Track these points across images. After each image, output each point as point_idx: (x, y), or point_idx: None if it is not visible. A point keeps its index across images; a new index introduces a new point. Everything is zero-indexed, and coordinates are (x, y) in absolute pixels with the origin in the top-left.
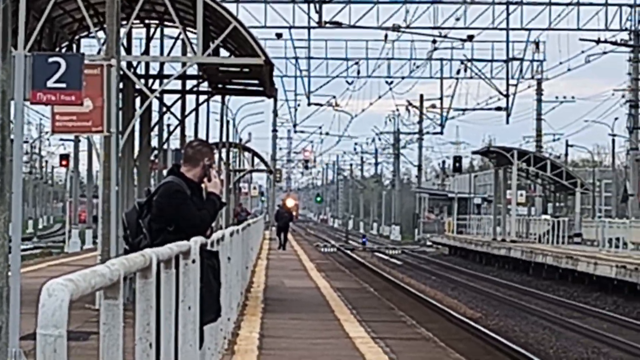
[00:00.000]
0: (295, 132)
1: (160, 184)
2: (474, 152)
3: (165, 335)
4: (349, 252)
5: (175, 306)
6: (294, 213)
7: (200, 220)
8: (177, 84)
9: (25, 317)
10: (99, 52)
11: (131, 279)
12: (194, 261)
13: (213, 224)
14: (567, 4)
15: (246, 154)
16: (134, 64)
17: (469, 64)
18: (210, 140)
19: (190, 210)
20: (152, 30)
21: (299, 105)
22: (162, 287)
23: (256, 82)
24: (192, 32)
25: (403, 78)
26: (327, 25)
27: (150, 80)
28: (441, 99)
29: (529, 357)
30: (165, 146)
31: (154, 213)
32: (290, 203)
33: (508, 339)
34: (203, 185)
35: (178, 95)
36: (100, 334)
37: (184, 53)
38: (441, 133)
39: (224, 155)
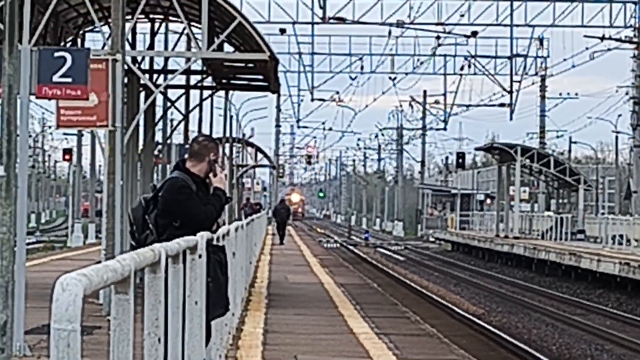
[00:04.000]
0: (299, 127)
1: (166, 180)
2: (477, 149)
3: (173, 330)
4: (351, 247)
5: (183, 301)
6: (300, 209)
7: (205, 216)
8: (181, 79)
9: (30, 311)
10: (103, 47)
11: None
12: (200, 256)
13: (219, 219)
14: (572, 0)
15: (249, 149)
16: (139, 58)
17: (472, 60)
18: (214, 136)
19: (195, 205)
20: (156, 25)
21: (302, 100)
22: (169, 282)
23: (260, 77)
24: (196, 27)
25: (407, 74)
26: (331, 21)
27: (155, 75)
28: (445, 94)
29: (532, 354)
30: (169, 141)
31: (160, 208)
32: (295, 198)
33: (511, 336)
34: (208, 181)
35: (182, 90)
36: (111, 328)
37: (189, 48)
38: (444, 129)
39: (227, 150)
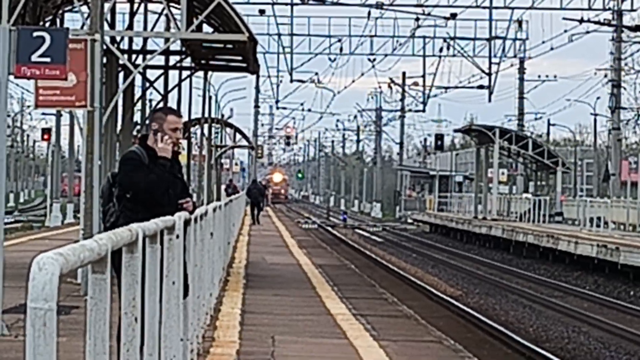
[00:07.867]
0: (278, 108)
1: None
2: (455, 130)
3: (150, 309)
4: (330, 228)
5: (160, 281)
6: (282, 191)
7: (146, 185)
8: (160, 60)
9: (8, 290)
10: (82, 27)
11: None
12: (178, 237)
13: (195, 199)
14: None
15: (228, 129)
16: (118, 39)
17: (451, 42)
18: (193, 116)
19: (137, 175)
20: (135, 5)
21: (281, 81)
22: (147, 262)
23: (239, 58)
24: (175, 7)
25: (386, 55)
26: (310, 2)
27: (134, 56)
28: (424, 76)
29: (510, 336)
30: (147, 121)
31: (117, 181)
32: (277, 178)
33: (488, 317)
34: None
35: (161, 71)
36: (88, 308)
37: (168, 29)
38: (423, 111)
39: (206, 131)
